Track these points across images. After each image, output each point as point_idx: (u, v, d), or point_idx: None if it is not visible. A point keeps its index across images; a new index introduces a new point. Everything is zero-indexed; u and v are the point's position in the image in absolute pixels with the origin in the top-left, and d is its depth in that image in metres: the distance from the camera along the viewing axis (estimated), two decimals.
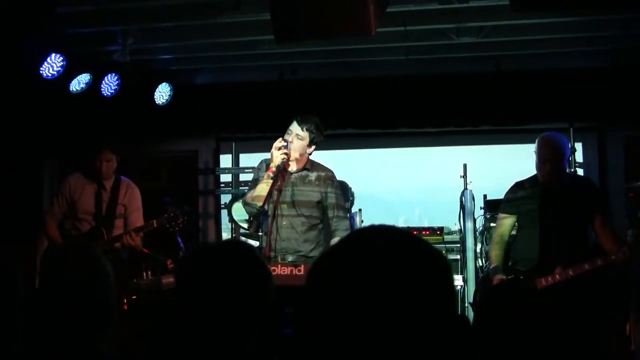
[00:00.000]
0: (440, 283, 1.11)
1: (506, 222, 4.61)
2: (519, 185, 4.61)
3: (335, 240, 4.37)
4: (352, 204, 6.31)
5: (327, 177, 4.46)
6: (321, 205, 4.42)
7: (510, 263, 4.68)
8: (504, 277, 4.34)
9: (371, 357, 1.04)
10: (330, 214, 4.43)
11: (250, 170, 6.63)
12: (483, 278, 4.51)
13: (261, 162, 4.52)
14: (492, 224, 5.66)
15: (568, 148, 4.55)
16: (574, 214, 4.42)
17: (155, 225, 5.13)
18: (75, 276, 2.09)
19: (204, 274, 1.81)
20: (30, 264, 5.96)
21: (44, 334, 2.01)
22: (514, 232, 4.69)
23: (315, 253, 4.35)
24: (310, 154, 4.45)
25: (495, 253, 4.54)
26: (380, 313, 1.04)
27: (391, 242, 1.12)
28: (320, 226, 4.45)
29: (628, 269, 4.19)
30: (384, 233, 1.15)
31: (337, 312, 1.06)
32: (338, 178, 4.65)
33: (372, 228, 1.17)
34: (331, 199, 4.42)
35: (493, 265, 4.47)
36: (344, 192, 5.34)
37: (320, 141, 4.44)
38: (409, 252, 1.11)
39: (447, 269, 1.15)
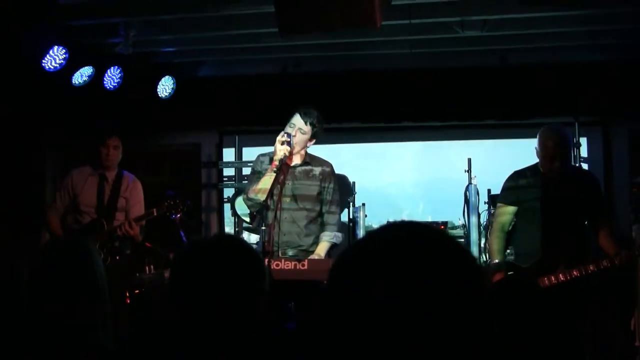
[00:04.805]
0: (473, 282, 1.08)
1: (507, 213, 4.47)
2: (519, 174, 4.47)
3: (326, 234, 4.40)
4: (354, 198, 6.29)
5: (330, 172, 4.50)
6: (320, 197, 4.43)
7: (510, 253, 4.60)
8: (504, 274, 4.26)
9: (405, 355, 1.01)
10: (324, 208, 4.47)
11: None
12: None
13: (258, 157, 4.54)
14: None
15: (572, 140, 4.49)
16: (577, 208, 4.33)
17: (155, 214, 5.07)
18: (65, 270, 2.08)
19: (198, 267, 1.79)
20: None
21: (37, 328, 2.01)
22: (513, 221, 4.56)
23: (315, 247, 4.37)
24: (308, 146, 4.46)
25: (496, 247, 4.41)
26: (414, 312, 1.02)
27: (424, 239, 1.09)
28: (320, 220, 4.46)
29: (634, 267, 4.16)
30: (414, 230, 1.11)
31: (366, 310, 1.03)
32: (340, 172, 4.70)
33: (402, 224, 1.13)
34: (329, 195, 4.47)
35: (493, 261, 4.37)
36: (346, 186, 5.33)
37: (321, 134, 4.45)
38: (443, 251, 1.08)
39: (479, 268, 1.12)
